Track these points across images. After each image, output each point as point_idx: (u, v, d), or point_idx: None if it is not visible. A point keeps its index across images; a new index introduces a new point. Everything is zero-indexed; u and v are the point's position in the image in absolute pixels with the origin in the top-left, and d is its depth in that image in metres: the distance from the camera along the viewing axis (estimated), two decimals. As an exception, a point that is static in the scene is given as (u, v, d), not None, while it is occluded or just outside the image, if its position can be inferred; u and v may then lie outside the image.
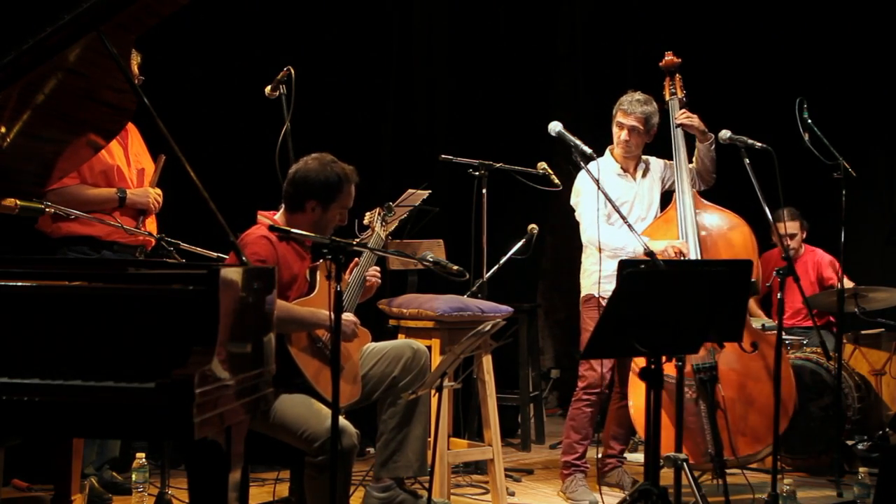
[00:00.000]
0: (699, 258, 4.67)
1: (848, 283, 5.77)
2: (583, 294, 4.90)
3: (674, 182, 4.97)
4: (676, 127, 4.92)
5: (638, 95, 4.84)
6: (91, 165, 4.25)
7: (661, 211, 4.96)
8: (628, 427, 5.01)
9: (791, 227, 6.05)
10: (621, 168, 4.89)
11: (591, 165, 4.40)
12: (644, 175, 4.95)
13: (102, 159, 4.29)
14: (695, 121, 4.92)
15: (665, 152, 5.01)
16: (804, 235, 6.23)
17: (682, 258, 4.61)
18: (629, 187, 4.89)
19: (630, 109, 4.80)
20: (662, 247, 4.63)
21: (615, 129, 4.87)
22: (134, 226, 4.33)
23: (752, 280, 4.75)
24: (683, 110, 4.93)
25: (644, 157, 4.98)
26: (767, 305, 6.19)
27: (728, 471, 4.55)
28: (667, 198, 5.02)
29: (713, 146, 4.95)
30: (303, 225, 3.70)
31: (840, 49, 6.87)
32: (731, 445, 4.49)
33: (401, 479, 4.01)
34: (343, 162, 3.78)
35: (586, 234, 4.78)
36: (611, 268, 4.55)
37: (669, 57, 5.06)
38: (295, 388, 3.54)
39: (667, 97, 4.99)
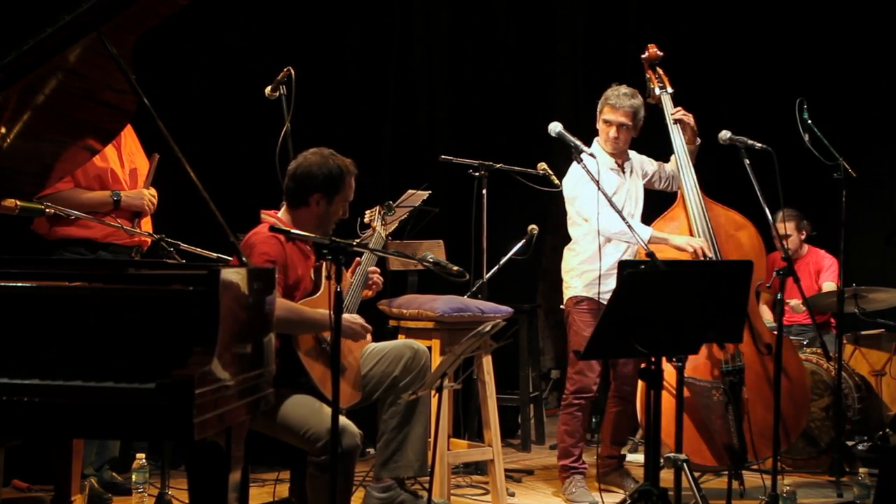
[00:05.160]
0: (719, 258, 4.63)
1: (833, 287, 5.77)
2: (572, 294, 4.83)
3: (657, 179, 4.95)
4: (674, 123, 4.86)
5: (624, 89, 4.75)
6: (85, 169, 4.22)
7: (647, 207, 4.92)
8: (627, 428, 5.01)
9: (786, 228, 6.03)
10: (614, 162, 4.83)
11: (591, 165, 4.39)
12: (631, 171, 4.90)
13: (96, 163, 4.25)
14: (691, 120, 4.87)
15: (648, 148, 4.98)
16: (803, 236, 6.22)
17: (704, 258, 4.55)
18: (621, 182, 4.83)
19: (618, 104, 4.71)
20: (683, 242, 4.59)
21: (602, 126, 4.79)
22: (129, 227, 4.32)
23: (763, 283, 4.76)
24: (679, 107, 4.89)
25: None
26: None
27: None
28: (666, 196, 5.01)
29: (696, 151, 4.93)
30: (307, 220, 3.70)
31: (840, 49, 6.87)
32: (754, 447, 4.48)
33: (401, 479, 4.00)
34: (342, 158, 3.79)
35: (601, 225, 4.50)
36: (610, 263, 4.55)
37: (653, 49, 4.97)
38: (298, 387, 3.54)
39: (655, 91, 4.90)
